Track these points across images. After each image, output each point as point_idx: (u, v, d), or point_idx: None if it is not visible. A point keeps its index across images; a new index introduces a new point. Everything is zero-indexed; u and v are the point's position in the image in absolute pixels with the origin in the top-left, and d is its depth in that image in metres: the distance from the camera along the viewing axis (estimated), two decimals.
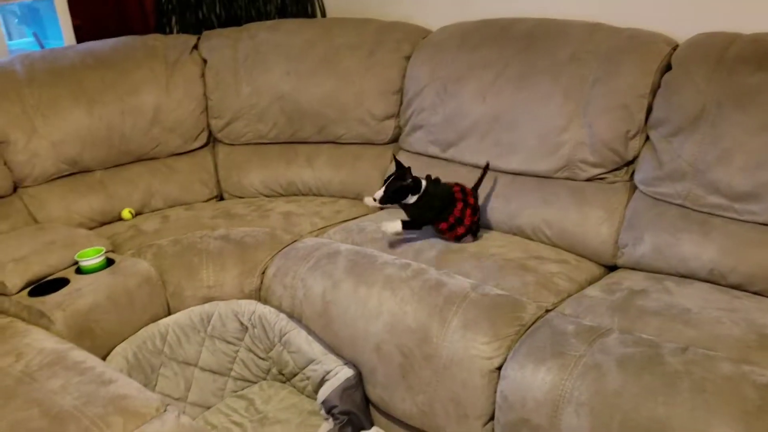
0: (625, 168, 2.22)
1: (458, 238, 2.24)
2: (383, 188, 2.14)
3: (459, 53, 2.54)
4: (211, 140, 3.01)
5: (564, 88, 2.24)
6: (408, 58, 2.73)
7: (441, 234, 2.26)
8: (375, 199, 2.15)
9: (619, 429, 1.51)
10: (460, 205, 2.20)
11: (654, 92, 2.13)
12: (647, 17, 2.31)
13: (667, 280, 1.98)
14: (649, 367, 1.55)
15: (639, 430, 1.48)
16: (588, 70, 2.21)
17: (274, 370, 2.28)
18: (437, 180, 2.24)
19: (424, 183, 2.17)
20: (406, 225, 2.19)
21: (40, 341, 1.81)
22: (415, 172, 2.18)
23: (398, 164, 2.18)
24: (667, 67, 2.14)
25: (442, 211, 2.19)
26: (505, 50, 2.42)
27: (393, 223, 2.18)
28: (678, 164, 2.02)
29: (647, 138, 2.16)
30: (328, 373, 2.05)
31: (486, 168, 2.31)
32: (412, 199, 2.16)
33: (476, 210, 2.24)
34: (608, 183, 2.23)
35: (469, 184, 2.32)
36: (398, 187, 2.13)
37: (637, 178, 2.17)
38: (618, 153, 2.18)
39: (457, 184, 2.25)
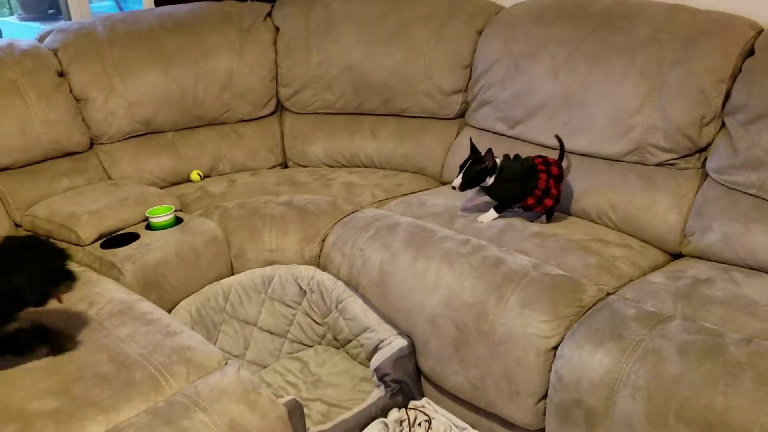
0: (698, 154, 2.16)
1: (549, 211, 2.21)
2: (461, 175, 2.13)
3: (533, 29, 2.50)
4: (279, 108, 3.06)
5: (640, 69, 2.18)
6: (480, 32, 2.71)
7: (530, 209, 2.21)
8: (454, 188, 2.15)
9: (675, 416, 1.49)
10: (544, 176, 2.14)
11: (734, 77, 2.06)
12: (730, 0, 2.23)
13: (735, 270, 1.93)
14: (710, 356, 1.52)
15: (696, 418, 1.46)
16: (666, 51, 2.15)
17: (329, 336, 2.32)
18: (516, 156, 2.22)
19: (499, 161, 2.16)
20: (498, 209, 2.22)
21: (111, 291, 1.89)
22: (481, 150, 2.15)
23: (473, 147, 2.18)
24: (750, 52, 2.06)
25: (525, 187, 2.15)
26: (580, 28, 2.37)
27: (488, 213, 2.23)
28: (754, 153, 1.95)
29: (722, 125, 2.09)
30: (381, 341, 2.08)
31: (560, 140, 2.26)
32: (490, 181, 2.15)
33: (560, 179, 2.18)
34: (678, 169, 2.18)
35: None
36: (476, 172, 2.13)
37: (709, 165, 2.11)
38: (691, 139, 2.12)
39: (539, 156, 2.20)
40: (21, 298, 1.54)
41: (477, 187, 2.20)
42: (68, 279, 1.61)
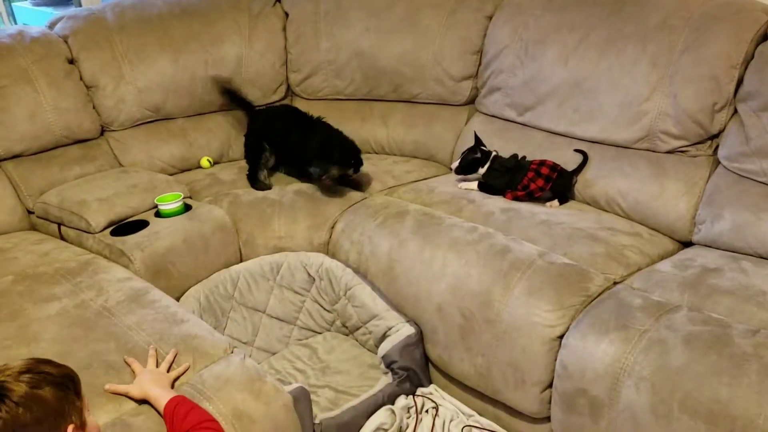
0: (709, 142, 2.13)
1: (560, 195, 2.31)
2: (459, 159, 2.41)
3: (543, 14, 2.47)
4: (289, 94, 3.05)
5: (651, 56, 2.15)
6: (490, 18, 2.68)
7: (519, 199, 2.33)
8: (451, 169, 2.46)
9: (679, 406, 1.48)
10: (531, 175, 2.27)
11: (746, 64, 2.02)
12: None
13: (744, 260, 1.91)
14: (716, 347, 1.51)
15: (700, 409, 1.46)
16: (678, 37, 2.12)
17: (338, 323, 2.33)
18: (514, 155, 2.37)
19: (493, 154, 2.37)
20: (480, 187, 2.41)
21: (120, 279, 1.91)
22: (490, 137, 2.21)
23: (476, 138, 2.41)
24: (763, 38, 2.03)
25: (510, 179, 2.32)
26: (592, 13, 2.34)
27: (470, 183, 2.43)
28: (766, 140, 1.93)
29: (735, 111, 2.06)
30: (390, 329, 2.08)
31: (585, 156, 2.33)
32: (482, 171, 2.38)
33: (549, 180, 2.25)
34: (689, 156, 2.15)
35: (545, 151, 2.31)
36: (468, 161, 2.39)
37: (721, 153, 2.08)
38: (703, 125, 2.09)
39: (545, 161, 2.29)
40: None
41: (476, 175, 2.42)
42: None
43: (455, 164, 2.43)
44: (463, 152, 2.43)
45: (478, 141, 2.41)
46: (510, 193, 2.31)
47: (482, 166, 2.37)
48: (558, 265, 1.87)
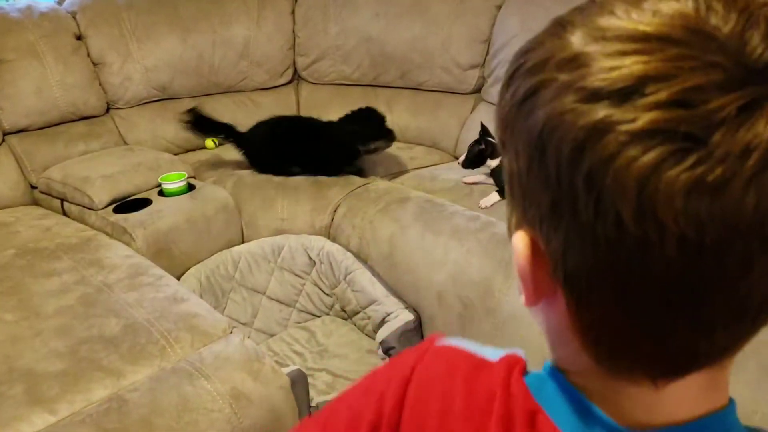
0: None
1: None
2: (465, 153, 2.27)
3: (553, 4, 2.44)
4: (296, 78, 3.05)
5: None
6: (499, 6, 2.67)
7: None
8: (458, 163, 2.28)
9: None
10: None
11: None
12: None
13: None
14: None
15: None
16: None
17: (337, 306, 2.34)
18: None
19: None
20: (501, 194, 2.17)
21: (121, 256, 1.91)
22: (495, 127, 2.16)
23: (483, 128, 2.26)
24: None
25: None
26: None
27: (490, 196, 2.18)
28: None
29: None
30: (388, 314, 2.09)
31: None
32: (494, 163, 2.21)
33: None
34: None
35: None
36: (475, 152, 2.23)
37: None
38: None
39: None
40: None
41: (485, 169, 2.26)
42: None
43: (462, 158, 2.29)
44: (470, 144, 2.29)
45: (484, 131, 2.27)
46: None
47: (491, 158, 2.22)
48: None
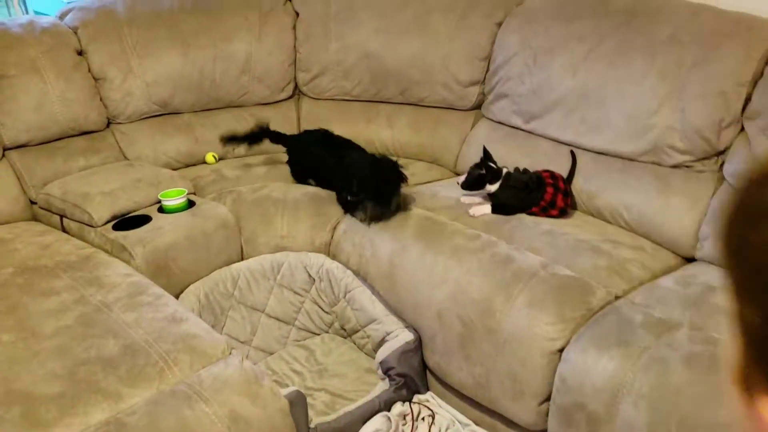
0: (715, 158, 2.12)
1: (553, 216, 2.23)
2: (465, 175, 2.23)
3: (553, 23, 2.46)
4: (297, 93, 3.05)
5: (659, 69, 2.14)
6: (500, 24, 2.67)
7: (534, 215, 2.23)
8: (458, 183, 2.23)
9: (677, 427, 1.48)
10: (550, 191, 2.18)
11: (756, 81, 2.01)
12: (756, 1, 2.17)
13: None
14: (717, 369, 1.51)
15: (698, 431, 1.45)
16: (687, 52, 2.11)
17: (336, 325, 2.33)
18: (525, 170, 2.26)
19: (505, 171, 2.20)
20: (495, 210, 2.21)
21: (120, 274, 1.91)
22: (495, 143, 2.17)
23: (485, 152, 2.24)
24: None
25: (527, 198, 2.19)
26: (601, 24, 2.33)
27: (483, 206, 2.22)
28: None
29: (742, 129, 2.05)
30: (388, 334, 2.08)
31: (574, 158, 2.30)
32: (492, 188, 2.20)
33: (568, 194, 2.23)
34: (695, 172, 2.14)
35: (551, 159, 2.29)
36: (475, 176, 2.20)
37: (727, 170, 2.07)
38: (709, 142, 2.08)
39: (546, 171, 2.24)
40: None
41: (483, 192, 2.25)
42: None
43: (461, 179, 2.25)
44: (471, 167, 2.25)
45: (486, 155, 2.24)
46: (536, 208, 2.20)
47: (491, 183, 2.19)
48: (560, 276, 1.87)
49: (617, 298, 1.85)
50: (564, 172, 2.30)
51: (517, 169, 2.27)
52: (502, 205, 2.21)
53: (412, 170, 2.72)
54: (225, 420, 1.49)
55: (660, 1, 2.27)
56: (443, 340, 1.98)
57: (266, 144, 2.90)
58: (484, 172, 2.19)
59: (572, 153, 2.32)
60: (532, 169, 2.28)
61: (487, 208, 2.22)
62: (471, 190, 2.25)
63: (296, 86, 3.02)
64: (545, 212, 2.20)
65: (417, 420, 2.01)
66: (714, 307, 1.74)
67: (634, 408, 1.54)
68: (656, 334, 1.63)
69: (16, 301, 1.76)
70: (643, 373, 1.56)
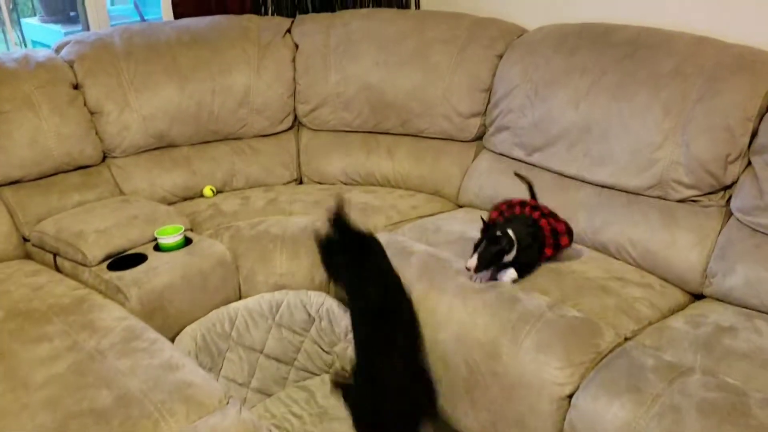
0: (722, 192, 2.08)
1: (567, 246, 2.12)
2: (476, 255, 1.93)
3: (555, 56, 2.43)
4: (296, 124, 3.01)
5: (663, 103, 2.11)
6: (500, 56, 2.64)
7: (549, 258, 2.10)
8: (469, 269, 1.94)
9: None
10: (545, 222, 2.07)
11: (762, 116, 1.98)
12: (759, 34, 2.14)
13: (758, 318, 1.85)
14: (732, 418, 1.45)
15: None
16: (691, 86, 2.08)
17: (337, 364, 2.27)
18: (513, 218, 2.09)
19: (512, 235, 1.95)
20: (521, 272, 2.02)
21: (115, 318, 1.85)
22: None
23: (485, 224, 1.97)
24: None
25: (539, 244, 2.05)
26: (604, 57, 2.30)
27: (508, 272, 2.00)
28: None
29: (749, 164, 2.02)
30: None
31: (529, 184, 2.27)
32: (510, 257, 1.96)
33: (554, 213, 2.12)
34: (702, 206, 2.10)
35: (555, 193, 2.25)
36: (493, 254, 1.93)
37: (734, 205, 2.03)
38: (715, 176, 2.04)
39: (522, 204, 2.14)
40: None
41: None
42: None
43: (472, 262, 1.92)
44: (477, 244, 1.95)
45: (487, 226, 1.96)
46: (549, 249, 2.06)
47: (508, 253, 1.95)
48: (568, 318, 1.82)
49: (627, 339, 1.80)
50: (571, 204, 2.25)
51: (521, 217, 2.09)
52: (526, 265, 2.03)
53: (414, 202, 2.69)
54: None
55: (662, 34, 2.25)
56: (448, 384, 1.92)
57: (264, 175, 2.88)
58: (502, 246, 1.93)
59: (518, 175, 2.28)
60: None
61: (512, 272, 2.00)
62: (487, 268, 1.97)
63: (296, 118, 2.99)
64: (558, 249, 2.09)
65: None
66: (726, 349, 1.69)
67: None
68: (668, 380, 1.58)
69: (5, 348, 1.70)
70: (657, 422, 1.50)
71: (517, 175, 2.25)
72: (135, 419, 1.48)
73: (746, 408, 1.47)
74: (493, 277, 2.01)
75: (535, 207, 2.14)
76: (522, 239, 1.97)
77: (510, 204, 2.18)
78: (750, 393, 1.51)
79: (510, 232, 1.95)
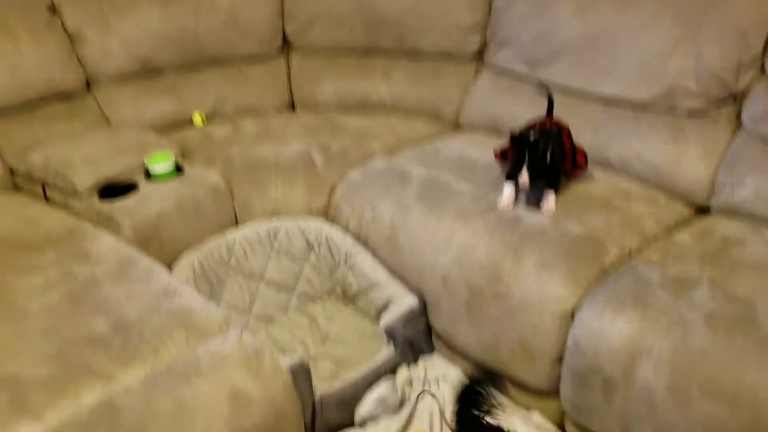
0: (732, 104, 2.01)
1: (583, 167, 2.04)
2: (524, 168, 1.77)
3: None
4: (286, 47, 2.90)
5: (673, 10, 2.02)
6: None
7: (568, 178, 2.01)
8: (524, 186, 1.84)
9: (699, 390, 1.41)
10: (566, 137, 1.97)
11: None
12: None
13: (767, 229, 1.81)
14: (741, 328, 1.43)
15: (723, 395, 1.38)
16: None
17: (338, 290, 2.24)
18: (539, 129, 1.94)
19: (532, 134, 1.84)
20: (553, 184, 1.90)
21: (109, 247, 1.80)
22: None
23: (515, 137, 1.85)
24: None
25: (564, 155, 1.95)
26: None
27: (550, 198, 1.89)
28: None
29: (762, 72, 1.94)
30: (391, 299, 2.00)
31: (549, 96, 2.08)
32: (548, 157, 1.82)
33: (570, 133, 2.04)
34: (711, 119, 2.04)
35: (557, 109, 2.17)
36: (540, 156, 1.78)
37: (745, 114, 1.97)
38: (726, 84, 1.97)
39: (543, 122, 2.04)
40: None
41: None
42: None
43: (524, 177, 1.79)
44: (514, 162, 1.83)
45: (521, 135, 1.84)
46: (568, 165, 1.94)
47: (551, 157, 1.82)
48: (571, 235, 1.77)
49: (631, 255, 1.76)
50: (577, 120, 2.17)
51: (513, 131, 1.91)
52: (556, 177, 1.92)
53: (412, 125, 2.62)
54: (225, 398, 1.41)
55: None
56: (449, 305, 1.90)
57: (254, 101, 2.79)
58: (547, 146, 1.78)
59: (540, 85, 2.14)
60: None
61: (551, 197, 1.89)
62: (542, 178, 1.86)
63: (285, 39, 2.87)
64: (575, 165, 2.01)
65: (423, 384, 1.94)
66: (735, 261, 1.66)
67: (653, 372, 1.47)
68: (675, 294, 1.55)
69: None
70: (663, 336, 1.48)
71: (538, 85, 2.13)
72: (134, 345, 1.45)
73: (755, 319, 1.44)
74: (535, 202, 1.87)
75: (557, 124, 2.05)
76: (555, 145, 1.85)
77: (532, 124, 2.08)
78: (758, 304, 1.49)
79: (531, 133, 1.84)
